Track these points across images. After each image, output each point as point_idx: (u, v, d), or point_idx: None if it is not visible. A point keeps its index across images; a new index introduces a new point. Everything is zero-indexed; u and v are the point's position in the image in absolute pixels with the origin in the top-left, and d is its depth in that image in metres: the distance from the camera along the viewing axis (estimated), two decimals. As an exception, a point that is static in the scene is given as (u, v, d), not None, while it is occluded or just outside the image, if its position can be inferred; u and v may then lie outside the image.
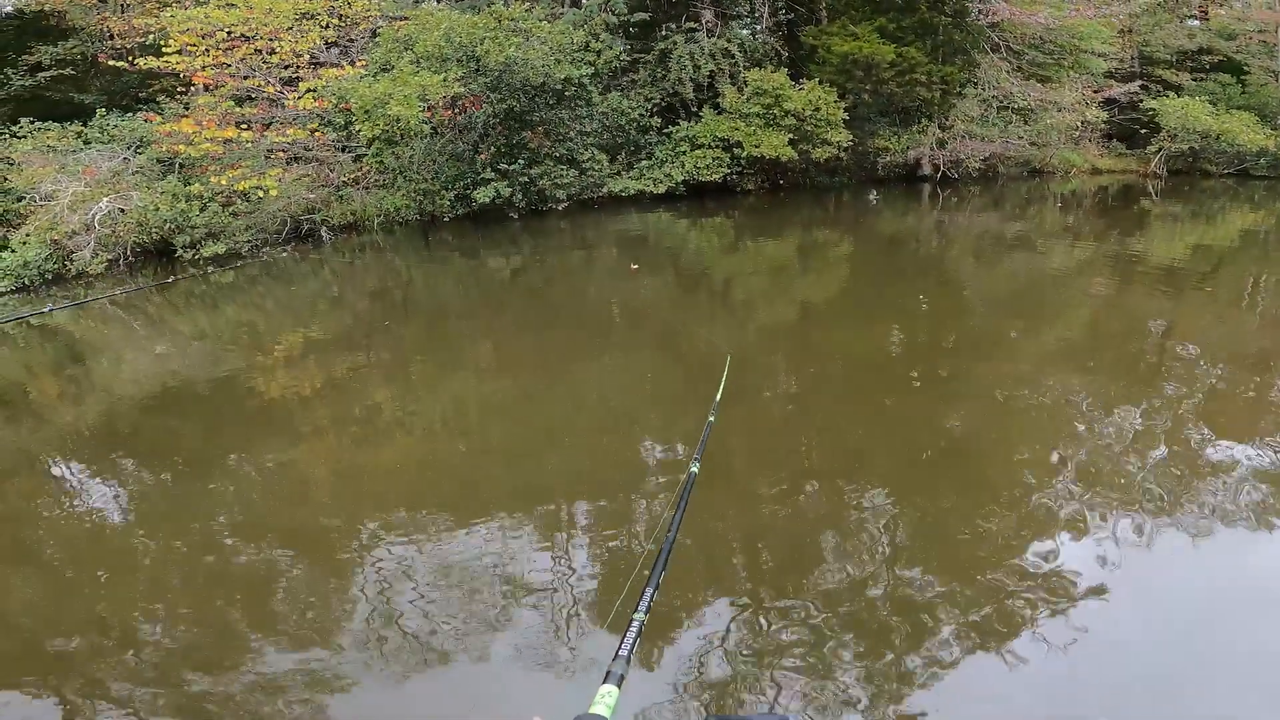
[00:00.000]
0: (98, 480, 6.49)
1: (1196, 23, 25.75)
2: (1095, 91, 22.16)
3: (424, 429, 7.13)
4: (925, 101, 18.44)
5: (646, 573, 2.44)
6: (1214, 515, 5.10)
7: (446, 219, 15.79)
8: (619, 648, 1.96)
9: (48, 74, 16.88)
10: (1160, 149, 21.55)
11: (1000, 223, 17.02)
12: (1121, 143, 24.07)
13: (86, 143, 14.66)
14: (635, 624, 2.13)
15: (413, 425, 7.19)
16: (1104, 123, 23.16)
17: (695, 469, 3.46)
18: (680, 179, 17.03)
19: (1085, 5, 20.04)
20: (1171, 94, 22.03)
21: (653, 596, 2.29)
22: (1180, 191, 20.25)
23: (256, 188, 13.58)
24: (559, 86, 14.95)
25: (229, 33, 14.10)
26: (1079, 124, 21.47)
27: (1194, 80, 23.63)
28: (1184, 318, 9.72)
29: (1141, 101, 22.38)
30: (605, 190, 16.74)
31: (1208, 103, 21.17)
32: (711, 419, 4.24)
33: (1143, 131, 22.84)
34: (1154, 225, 16.83)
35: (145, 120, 14.88)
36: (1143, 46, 24.31)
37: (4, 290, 12.51)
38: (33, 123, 14.48)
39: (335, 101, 14.41)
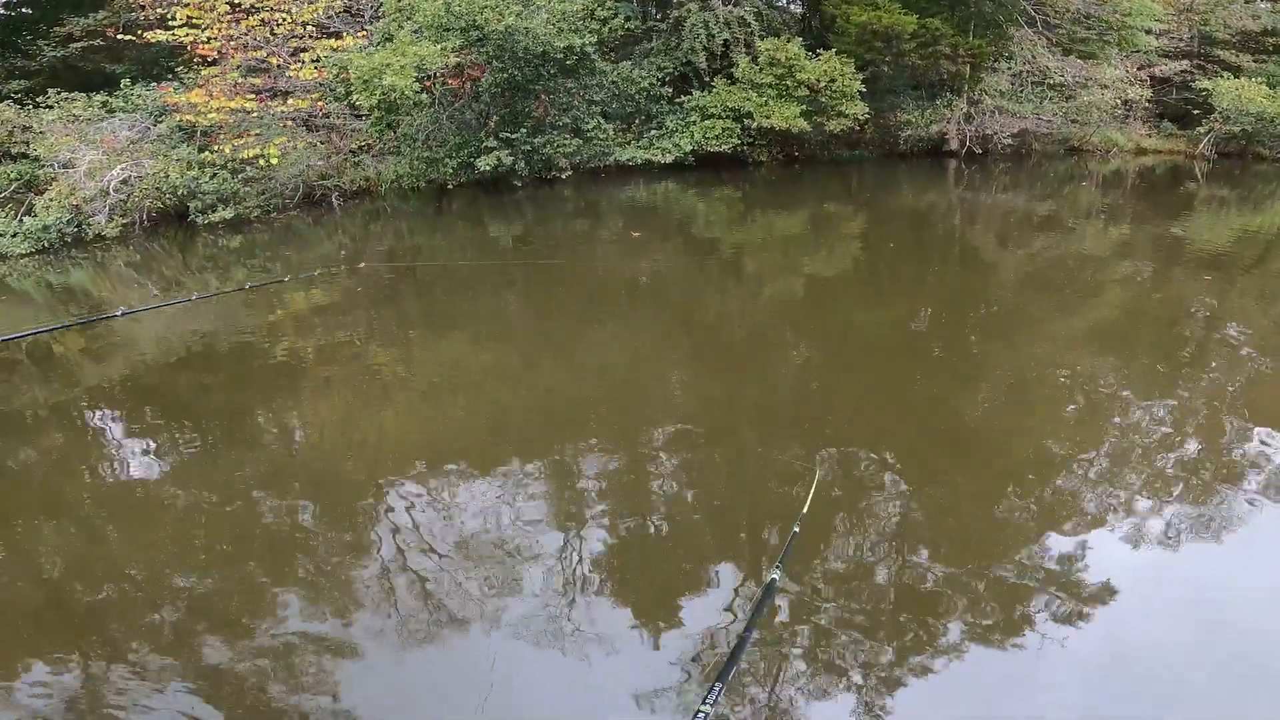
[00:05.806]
0: (117, 433, 6.72)
1: (1266, 4, 24.48)
2: (1140, 69, 21.15)
3: (403, 386, 7.26)
4: (951, 75, 17.81)
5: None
6: (1246, 511, 4.87)
7: (451, 186, 15.86)
8: None
9: (79, 45, 17.37)
10: (1210, 130, 20.48)
11: (1027, 202, 16.36)
12: (1174, 123, 22.97)
13: (111, 112, 15.08)
14: (702, 715, 2.42)
15: (395, 383, 7.33)
16: (1152, 102, 22.12)
17: (776, 575, 3.50)
18: (688, 149, 16.76)
19: (1133, -21, 19.07)
20: (1228, 75, 20.90)
21: (721, 690, 2.59)
22: (1229, 175, 19.27)
23: (259, 156, 13.79)
24: (560, 56, 14.83)
25: (233, 4, 14.34)
26: (1120, 102, 20.51)
27: (1255, 62, 22.42)
28: (1222, 306, 9.17)
29: (1195, 81, 21.31)
30: (612, 159, 16.60)
31: (1265, 84, 20.03)
32: (796, 529, 4.20)
33: (1195, 112, 21.75)
34: (1197, 209, 16.02)
35: (160, 90, 15.25)
36: (1202, 25, 23.15)
37: (26, 252, 12.91)
38: (59, 93, 14.94)
39: (336, 72, 14.55)
